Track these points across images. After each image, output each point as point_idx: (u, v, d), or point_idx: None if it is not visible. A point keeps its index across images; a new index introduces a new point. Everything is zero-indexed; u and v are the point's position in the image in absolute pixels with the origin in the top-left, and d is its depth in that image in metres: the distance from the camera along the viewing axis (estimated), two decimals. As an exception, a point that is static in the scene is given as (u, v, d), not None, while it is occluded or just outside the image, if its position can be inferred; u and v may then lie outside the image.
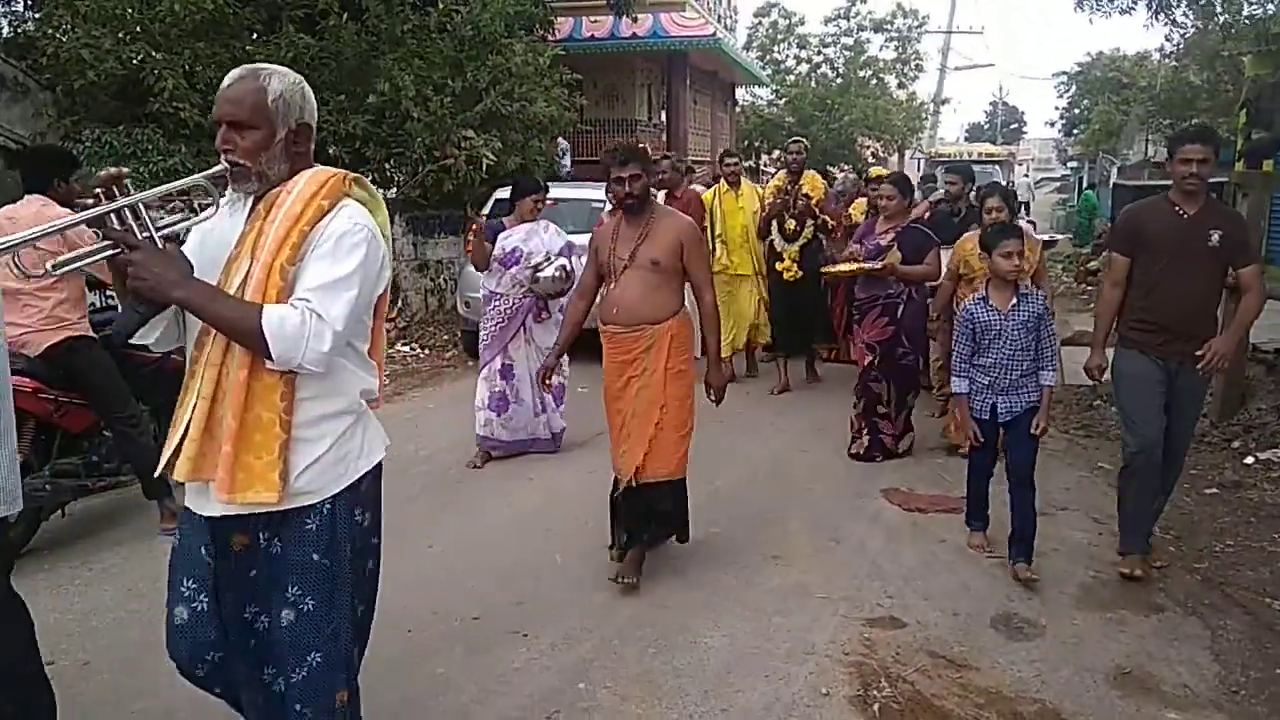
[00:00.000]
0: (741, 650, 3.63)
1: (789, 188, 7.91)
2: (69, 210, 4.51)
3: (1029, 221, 8.30)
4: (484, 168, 10.64)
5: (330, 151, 11.02)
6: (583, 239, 5.36)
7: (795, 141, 8.29)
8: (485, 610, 3.95)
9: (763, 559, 4.50)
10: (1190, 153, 4.01)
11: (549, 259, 5.82)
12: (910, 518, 5.09)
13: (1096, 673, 3.45)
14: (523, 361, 6.01)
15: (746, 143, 30.38)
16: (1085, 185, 27.01)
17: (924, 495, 5.40)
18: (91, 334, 4.60)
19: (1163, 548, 4.57)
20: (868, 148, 31.92)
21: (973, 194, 7.41)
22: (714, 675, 3.45)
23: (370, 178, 11.51)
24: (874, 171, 7.81)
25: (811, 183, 7.93)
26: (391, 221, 10.18)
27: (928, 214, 7.66)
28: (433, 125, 10.44)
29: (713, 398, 4.24)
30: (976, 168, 18.84)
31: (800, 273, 7.75)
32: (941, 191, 8.61)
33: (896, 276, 5.90)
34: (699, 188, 9.20)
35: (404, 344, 10.20)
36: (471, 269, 7.31)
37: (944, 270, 5.94)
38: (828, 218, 7.88)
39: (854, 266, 6.03)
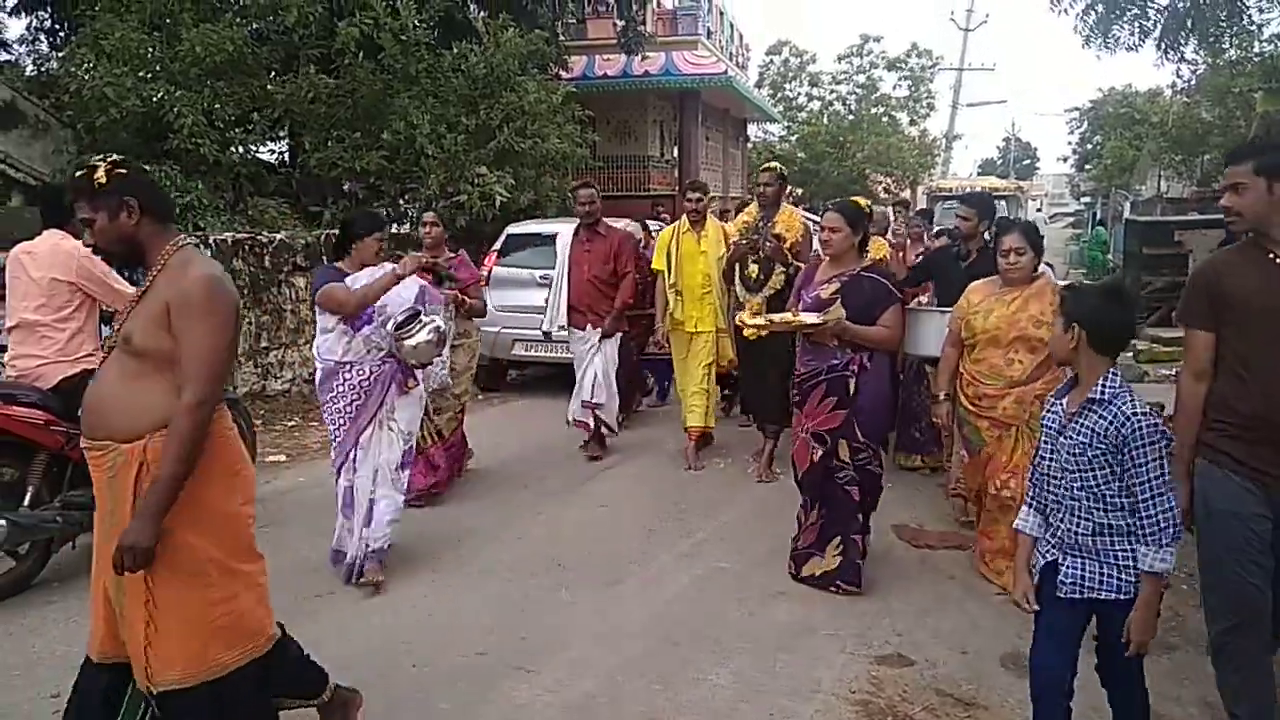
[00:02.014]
0: (747, 687, 3.60)
1: (759, 225, 6.38)
2: (83, 245, 4.59)
3: (1047, 264, 7.22)
4: (497, 204, 10.75)
5: (346, 188, 11.18)
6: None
7: (766, 169, 6.59)
8: (490, 645, 3.94)
9: (770, 595, 4.48)
10: None
11: (415, 317, 4.56)
12: (919, 554, 5.05)
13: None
14: (377, 444, 4.59)
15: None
16: (1097, 221, 27.01)
17: (933, 532, 5.36)
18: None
19: (1176, 586, 4.51)
20: (880, 184, 32.06)
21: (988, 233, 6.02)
22: (719, 713, 3.42)
23: (385, 213, 11.71)
24: (859, 201, 6.94)
25: (787, 221, 6.32)
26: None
27: (918, 256, 7.16)
28: (447, 162, 10.56)
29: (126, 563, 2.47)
30: None
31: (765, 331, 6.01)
32: (951, 226, 7.46)
33: (842, 340, 4.37)
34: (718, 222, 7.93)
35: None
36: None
37: (943, 335, 4.78)
38: (802, 265, 5.98)
39: (780, 319, 4.60)
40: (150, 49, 9.59)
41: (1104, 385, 2.67)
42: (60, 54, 11.50)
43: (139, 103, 9.13)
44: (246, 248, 8.82)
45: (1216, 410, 2.92)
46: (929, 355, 5.19)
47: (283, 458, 7.16)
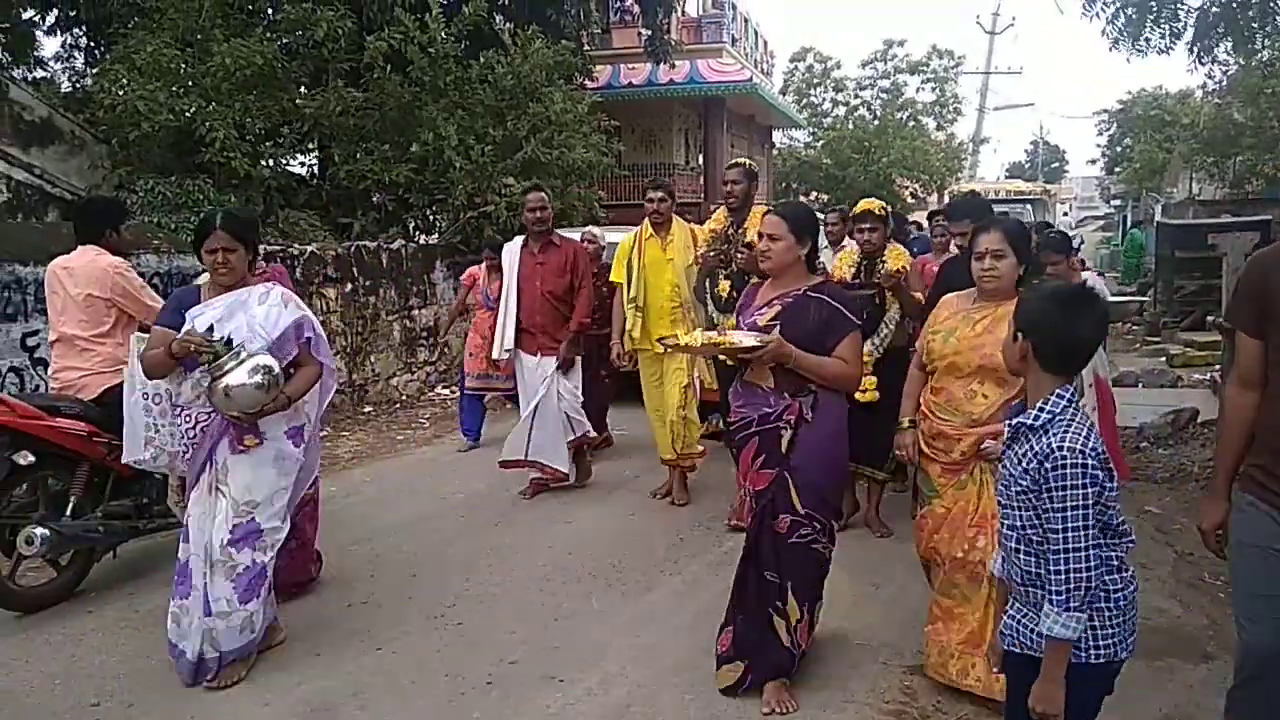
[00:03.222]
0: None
1: (728, 232, 5.54)
2: (121, 259, 4.67)
3: (1097, 273, 5.86)
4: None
5: (375, 199, 11.29)
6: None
7: (734, 165, 5.78)
8: (522, 655, 3.95)
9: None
10: None
11: (240, 351, 3.53)
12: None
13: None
14: (204, 514, 3.67)
15: (784, 185, 30.52)
16: (1131, 224, 26.71)
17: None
18: None
19: (1214, 594, 4.46)
20: (906, 189, 31.89)
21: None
22: (752, 723, 3.41)
23: (413, 224, 11.79)
24: (862, 205, 5.40)
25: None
26: (432, 267, 10.25)
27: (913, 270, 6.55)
28: (474, 173, 10.64)
29: None
30: (1006, 207, 18.07)
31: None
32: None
33: (782, 379, 3.42)
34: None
35: (444, 387, 10.30)
36: None
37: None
38: None
39: (704, 339, 3.65)
40: (183, 64, 9.75)
41: (1042, 409, 2.26)
42: (95, 70, 11.70)
43: (171, 117, 9.27)
44: (278, 260, 8.91)
45: (1262, 432, 2.53)
46: None
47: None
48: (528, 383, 6.19)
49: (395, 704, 3.56)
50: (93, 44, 12.98)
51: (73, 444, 4.38)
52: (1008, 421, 2.41)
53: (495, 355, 6.46)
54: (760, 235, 3.49)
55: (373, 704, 3.57)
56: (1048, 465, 2.17)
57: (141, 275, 5.01)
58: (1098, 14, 9.08)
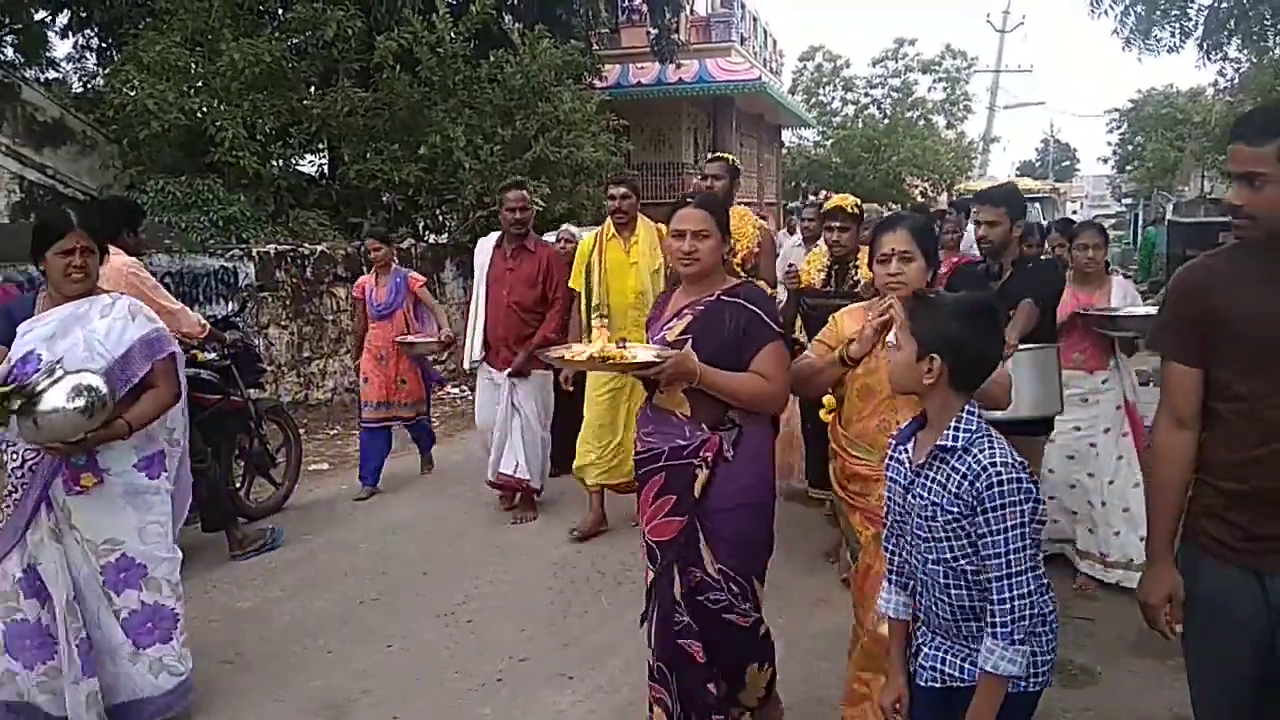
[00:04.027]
0: (788, 695, 3.58)
1: None
2: (136, 260, 4.70)
3: (1124, 274, 5.16)
4: (532, 214, 10.83)
5: (384, 199, 11.33)
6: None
7: (716, 158, 5.28)
8: (532, 652, 3.96)
9: (811, 603, 4.46)
10: None
11: (56, 368, 3.02)
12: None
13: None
14: (54, 563, 3.15)
15: (793, 184, 30.50)
16: (1148, 222, 26.55)
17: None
18: None
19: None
20: (916, 187, 31.84)
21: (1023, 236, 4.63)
22: (761, 721, 3.40)
23: (423, 224, 11.82)
24: (833, 201, 4.86)
25: (736, 226, 4.93)
26: (443, 266, 10.24)
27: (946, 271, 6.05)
28: (483, 173, 10.66)
29: None
30: None
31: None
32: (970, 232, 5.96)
33: (697, 405, 2.83)
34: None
35: (454, 386, 10.33)
36: None
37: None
38: (762, 282, 4.88)
39: (594, 353, 2.89)
40: (193, 64, 9.81)
41: (958, 428, 2.06)
42: (105, 71, 11.77)
43: (181, 116, 9.33)
44: (288, 259, 8.96)
45: (1206, 478, 2.14)
46: (1012, 417, 3.18)
47: (325, 466, 7.26)
48: (483, 400, 5.77)
49: (406, 701, 3.58)
50: (104, 45, 13.05)
51: None
52: (903, 447, 2.21)
53: (466, 365, 6.09)
54: (682, 234, 2.89)
55: (384, 701, 3.59)
56: (980, 485, 1.99)
57: (152, 275, 5.03)
58: (1105, 12, 9.07)
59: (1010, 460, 2.01)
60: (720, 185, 5.06)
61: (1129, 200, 42.02)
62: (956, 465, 2.05)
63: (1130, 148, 39.83)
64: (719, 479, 2.78)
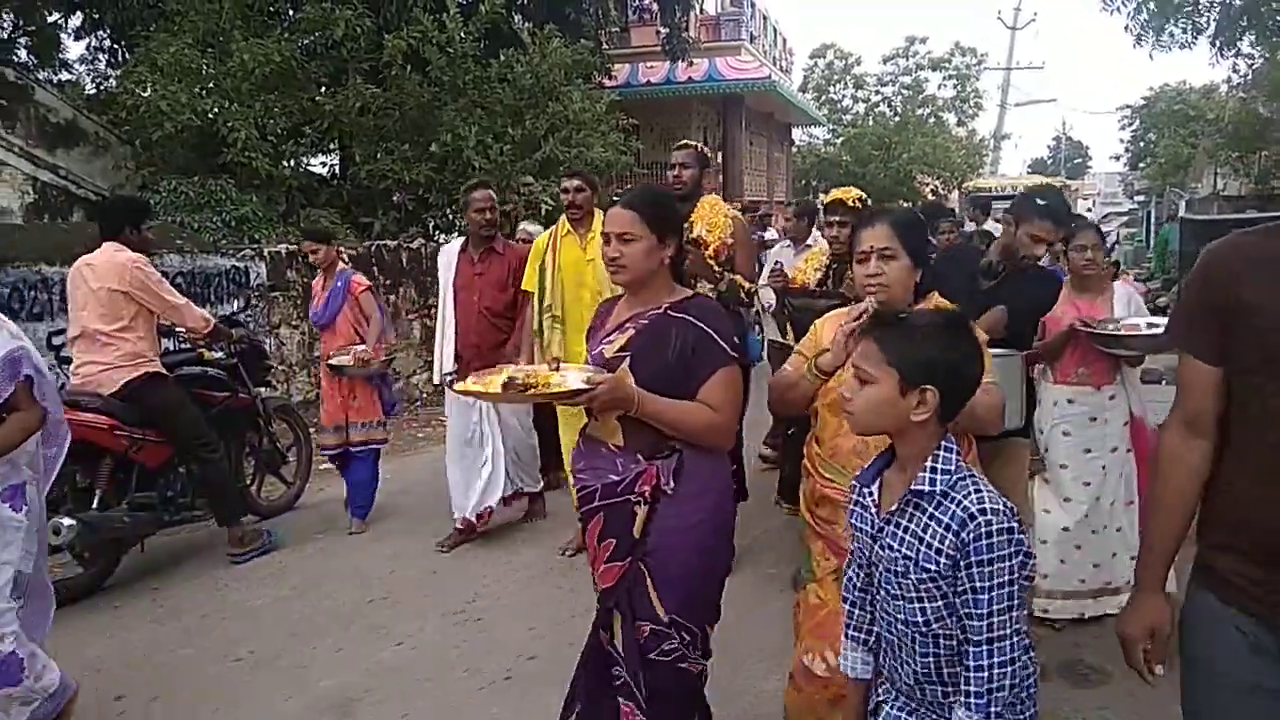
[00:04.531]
0: (798, 694, 3.58)
1: None
2: (141, 255, 4.75)
3: (1137, 273, 4.58)
4: (543, 213, 10.84)
5: (395, 199, 11.36)
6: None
7: (682, 146, 4.84)
8: (540, 651, 3.96)
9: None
10: None
11: None
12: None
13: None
14: None
15: (803, 182, 30.45)
16: (1162, 219, 26.42)
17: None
18: (164, 371, 4.81)
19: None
20: (927, 185, 31.75)
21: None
22: (769, 720, 3.40)
23: (433, 223, 11.84)
24: (834, 195, 4.53)
25: (709, 217, 4.64)
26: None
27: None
28: (493, 172, 10.67)
29: None
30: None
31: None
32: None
33: (631, 434, 2.50)
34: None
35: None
36: None
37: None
38: (739, 277, 4.58)
39: (516, 376, 2.49)
40: (204, 65, 9.85)
41: (935, 467, 1.80)
42: (118, 72, 11.84)
43: (193, 117, 9.37)
44: (300, 259, 8.98)
45: (1217, 501, 1.80)
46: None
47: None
48: (456, 419, 5.31)
49: (414, 699, 3.59)
50: (116, 46, 13.12)
51: (94, 438, 4.45)
52: (867, 490, 1.94)
53: (436, 380, 5.68)
54: (607, 237, 2.51)
55: (392, 699, 3.60)
56: (967, 535, 1.73)
57: (165, 275, 5.07)
58: (1118, 9, 9.02)
59: (1000, 506, 1.76)
60: (688, 175, 4.69)
61: (1141, 198, 41.82)
62: (936, 514, 1.78)
63: (1143, 145, 39.66)
64: (661, 516, 2.44)
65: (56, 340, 6.37)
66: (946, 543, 1.76)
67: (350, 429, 5.52)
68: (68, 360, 5.74)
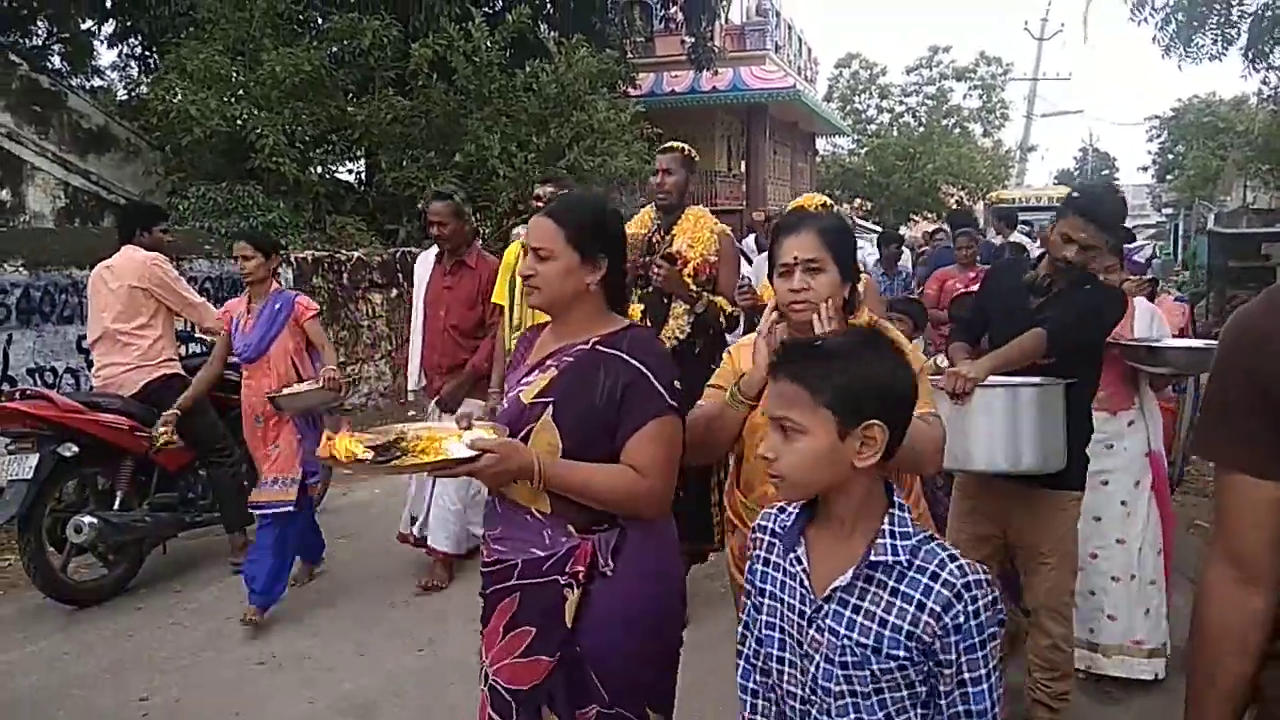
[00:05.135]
0: None
1: (652, 238, 4.17)
2: (154, 254, 4.85)
3: (1171, 289, 4.34)
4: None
5: (419, 206, 11.42)
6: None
7: (667, 149, 4.31)
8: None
9: None
10: None
11: None
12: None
13: None
14: None
15: (827, 192, 30.39)
16: (1191, 232, 26.17)
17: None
18: (183, 373, 4.87)
19: None
20: (952, 196, 31.61)
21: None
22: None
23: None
24: (798, 203, 4.26)
25: (692, 231, 4.13)
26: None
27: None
28: (517, 180, 10.72)
29: None
30: (1043, 215, 17.10)
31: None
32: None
33: (542, 506, 2.04)
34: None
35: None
36: None
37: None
38: (721, 299, 4.05)
39: (388, 447, 2.02)
40: (234, 72, 9.96)
41: (894, 530, 1.49)
42: (149, 79, 11.99)
43: (222, 124, 9.47)
44: (326, 265, 9.06)
45: None
46: (988, 469, 2.94)
47: (358, 470, 7.31)
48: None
49: (436, 703, 3.60)
50: (148, 53, 13.28)
51: (115, 438, 4.50)
52: (793, 555, 1.57)
53: (411, 386, 5.31)
54: (525, 250, 2.13)
55: (413, 703, 3.61)
56: (954, 618, 1.42)
57: (192, 280, 5.16)
58: (1146, 20, 8.96)
59: (979, 573, 1.46)
60: (673, 181, 4.17)
61: (1169, 210, 41.44)
62: (903, 589, 1.46)
63: (1171, 157, 39.30)
64: (596, 601, 2.00)
65: (86, 343, 6.45)
66: (922, 625, 1.43)
67: (288, 484, 4.38)
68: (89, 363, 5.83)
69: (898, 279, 7.95)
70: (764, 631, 1.62)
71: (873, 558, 1.48)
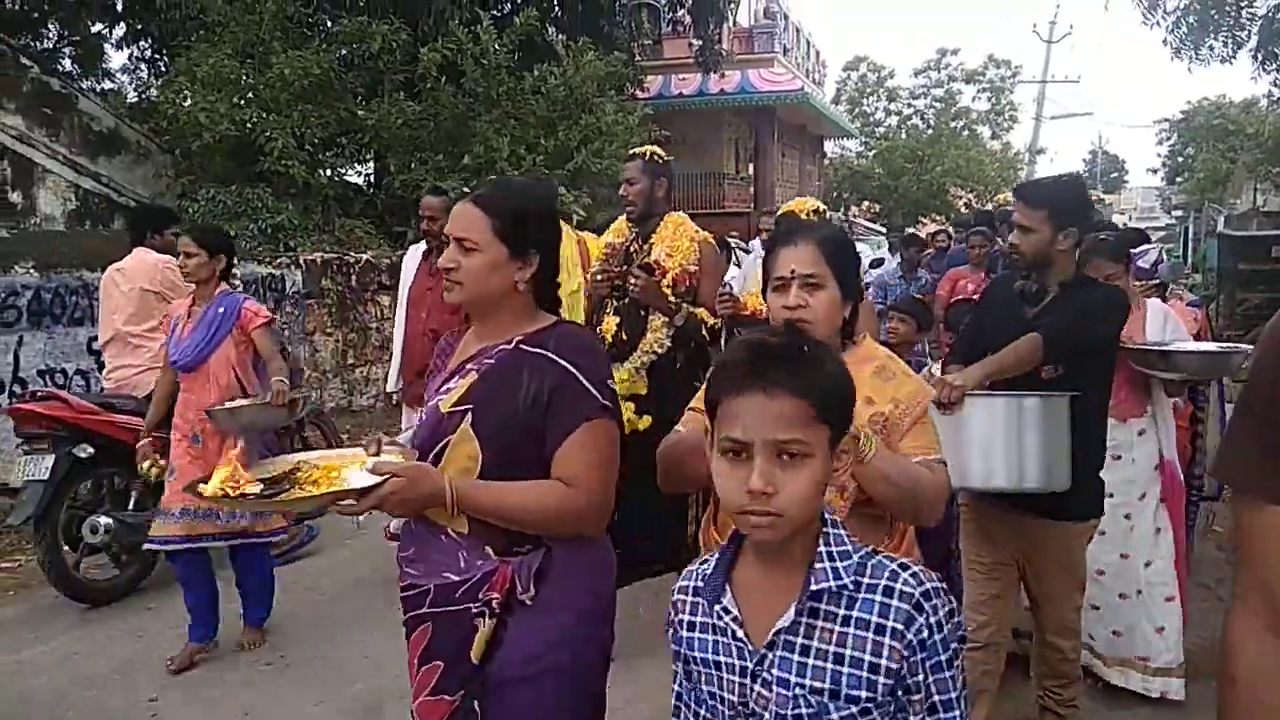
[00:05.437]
0: None
1: (631, 247, 3.95)
2: (165, 256, 4.88)
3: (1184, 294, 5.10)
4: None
5: (427, 209, 11.47)
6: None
7: (632, 157, 4.06)
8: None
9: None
10: None
11: None
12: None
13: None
14: None
15: (836, 194, 30.38)
16: (1204, 234, 26.05)
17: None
18: None
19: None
20: (960, 199, 31.56)
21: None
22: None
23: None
24: (789, 207, 3.92)
25: (671, 239, 3.88)
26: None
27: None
28: (525, 182, 10.76)
29: None
30: None
31: (646, 419, 3.72)
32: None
33: (459, 529, 1.83)
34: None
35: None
36: None
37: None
38: (702, 310, 3.81)
39: (281, 479, 1.85)
40: (243, 76, 10.00)
41: (832, 551, 1.30)
42: (159, 82, 12.06)
43: (232, 127, 9.52)
44: (335, 267, 9.09)
45: None
46: (985, 486, 2.73)
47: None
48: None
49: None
50: (158, 56, 13.37)
51: (129, 439, 4.52)
52: (720, 609, 1.35)
53: (389, 388, 5.15)
54: (448, 239, 1.89)
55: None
56: (917, 633, 1.25)
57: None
58: (1158, 22, 8.94)
59: (934, 579, 1.30)
60: (635, 190, 3.89)
61: (1179, 213, 41.33)
62: (857, 614, 1.26)
63: (1180, 159, 39.23)
64: (512, 635, 1.77)
65: (97, 345, 6.48)
66: (885, 652, 1.25)
67: (200, 517, 3.87)
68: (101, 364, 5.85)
69: (916, 283, 7.76)
70: (701, 702, 1.39)
71: (814, 587, 1.27)
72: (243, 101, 9.96)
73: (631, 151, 4.17)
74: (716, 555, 1.40)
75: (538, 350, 1.80)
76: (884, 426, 1.88)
